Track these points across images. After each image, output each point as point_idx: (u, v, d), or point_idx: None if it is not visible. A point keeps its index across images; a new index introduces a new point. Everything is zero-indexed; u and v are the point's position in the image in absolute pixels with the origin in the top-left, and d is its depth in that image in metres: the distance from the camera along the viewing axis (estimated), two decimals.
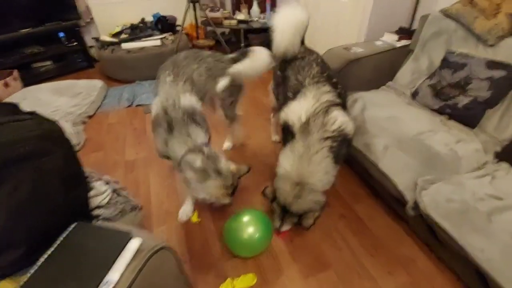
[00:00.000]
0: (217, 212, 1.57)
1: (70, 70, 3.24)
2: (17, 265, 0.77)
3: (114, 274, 0.62)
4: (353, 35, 2.37)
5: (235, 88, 1.60)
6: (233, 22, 3.18)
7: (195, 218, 1.53)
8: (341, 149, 1.25)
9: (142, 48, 2.84)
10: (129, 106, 2.58)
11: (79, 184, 0.93)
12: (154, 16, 3.19)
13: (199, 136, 1.23)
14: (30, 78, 2.89)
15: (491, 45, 1.56)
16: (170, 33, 3.10)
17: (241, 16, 3.28)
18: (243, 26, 3.18)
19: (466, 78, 1.55)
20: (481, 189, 1.15)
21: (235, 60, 1.55)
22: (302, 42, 1.57)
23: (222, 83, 1.49)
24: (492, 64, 1.48)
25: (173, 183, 1.75)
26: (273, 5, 3.34)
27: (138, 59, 2.82)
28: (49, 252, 0.67)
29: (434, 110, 1.65)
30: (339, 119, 1.24)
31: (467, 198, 1.12)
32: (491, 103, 1.48)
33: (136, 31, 3.02)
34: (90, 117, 2.44)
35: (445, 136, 1.42)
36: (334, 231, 1.46)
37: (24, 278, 0.62)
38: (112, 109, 2.55)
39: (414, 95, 1.78)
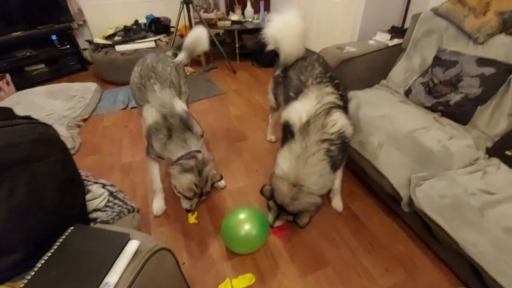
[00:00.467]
0: (214, 213, 1.57)
1: (64, 73, 3.22)
2: (16, 269, 0.77)
3: (113, 276, 0.63)
4: (346, 34, 2.40)
5: (185, 79, 1.79)
6: (227, 23, 3.19)
7: (192, 219, 1.53)
8: (339, 154, 1.24)
9: (136, 50, 2.83)
10: (124, 108, 2.57)
11: (75, 187, 0.93)
12: (147, 17, 3.18)
13: (193, 143, 1.35)
14: (23, 82, 2.86)
15: (481, 43, 1.59)
16: (164, 34, 3.10)
17: (235, 17, 3.29)
18: (237, 27, 3.19)
19: (457, 75, 1.58)
20: (473, 185, 1.17)
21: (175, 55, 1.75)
22: None
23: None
24: (482, 62, 1.51)
25: (169, 186, 1.74)
26: (267, 6, 3.36)
27: (132, 61, 2.75)
28: (47, 255, 0.67)
29: (427, 107, 1.67)
30: (339, 122, 1.23)
31: (459, 193, 1.14)
32: (482, 99, 1.50)
33: (130, 33, 3.01)
34: (85, 120, 2.43)
35: (438, 133, 1.44)
36: (331, 229, 1.47)
37: (23, 281, 0.62)
38: (107, 112, 2.54)
39: (407, 93, 1.80)
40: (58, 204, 0.85)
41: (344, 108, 1.33)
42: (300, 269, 1.30)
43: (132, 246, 0.69)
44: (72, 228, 0.74)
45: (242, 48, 3.41)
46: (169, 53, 1.77)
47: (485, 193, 1.13)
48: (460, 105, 1.55)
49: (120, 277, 0.63)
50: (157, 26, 3.07)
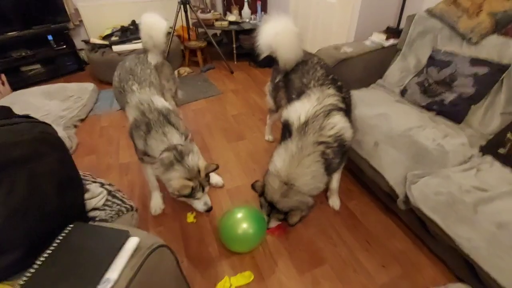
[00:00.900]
0: (213, 212, 1.58)
1: (60, 74, 3.20)
2: (14, 268, 0.77)
3: (113, 272, 0.63)
4: (342, 35, 2.42)
5: (172, 76, 1.78)
6: (224, 23, 3.20)
7: (191, 219, 1.54)
8: (335, 158, 1.22)
9: (133, 50, 2.82)
10: (121, 109, 2.55)
11: (74, 186, 0.94)
12: None
13: (174, 137, 1.28)
14: (19, 82, 2.84)
15: (475, 43, 1.62)
16: None
17: (232, 17, 3.30)
18: (234, 27, 3.20)
19: (452, 75, 1.60)
20: (467, 182, 1.19)
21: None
22: None
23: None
24: (476, 61, 1.54)
25: None
26: (264, 6, 3.37)
27: None
28: (47, 252, 0.67)
29: (422, 106, 1.70)
30: (338, 124, 1.22)
31: (454, 190, 1.16)
32: (475, 98, 1.53)
33: (127, 33, 3.01)
34: (82, 120, 2.42)
35: (433, 132, 1.46)
36: (329, 227, 1.49)
37: (23, 279, 0.62)
38: (104, 112, 2.53)
39: (403, 92, 1.82)
40: (58, 203, 0.85)
41: (347, 111, 1.32)
42: (298, 266, 1.31)
43: (132, 242, 0.69)
44: (71, 225, 0.74)
45: (239, 48, 3.42)
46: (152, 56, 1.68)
47: (479, 190, 1.15)
48: (454, 104, 1.58)
49: (121, 274, 0.64)
50: None
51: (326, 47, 1.97)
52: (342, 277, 1.26)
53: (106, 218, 1.03)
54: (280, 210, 1.24)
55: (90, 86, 2.68)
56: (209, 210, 1.36)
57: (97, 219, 1.01)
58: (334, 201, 1.60)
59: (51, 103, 2.36)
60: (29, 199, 0.78)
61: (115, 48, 2.84)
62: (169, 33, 3.18)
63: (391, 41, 2.01)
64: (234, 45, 3.32)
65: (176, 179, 1.24)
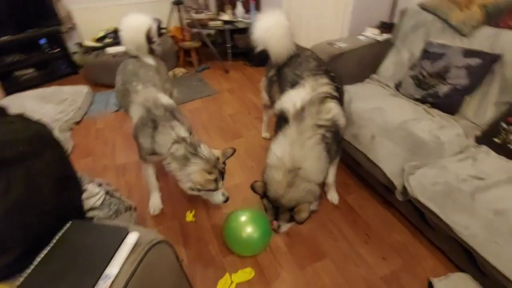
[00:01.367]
0: (212, 210, 1.58)
1: (54, 77, 3.18)
2: (13, 268, 0.76)
3: (113, 268, 0.63)
4: (336, 30, 2.43)
5: (168, 76, 1.80)
6: (218, 23, 3.20)
7: (190, 217, 1.53)
8: (333, 143, 1.22)
9: (126, 52, 2.81)
10: (117, 110, 2.55)
11: (71, 185, 0.93)
12: None
13: (181, 130, 1.27)
14: (12, 87, 2.82)
15: (467, 35, 1.63)
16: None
17: (226, 17, 3.30)
18: (228, 26, 3.20)
19: (445, 67, 1.62)
20: (464, 171, 1.20)
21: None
22: None
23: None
24: (468, 53, 1.55)
25: (165, 186, 1.75)
26: (258, 5, 3.38)
27: None
28: (46, 250, 0.67)
29: (416, 99, 1.71)
30: (334, 110, 1.24)
31: (451, 180, 1.17)
32: (469, 89, 1.54)
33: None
34: (77, 123, 2.40)
35: (428, 124, 1.47)
36: (328, 222, 1.49)
37: (21, 279, 0.62)
38: (99, 114, 2.52)
39: (398, 86, 1.84)
40: (55, 201, 0.84)
41: (339, 100, 1.34)
42: (299, 261, 1.31)
43: (131, 238, 0.69)
44: (69, 223, 0.74)
45: (234, 47, 3.42)
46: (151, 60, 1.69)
47: (476, 179, 1.16)
48: (448, 96, 1.59)
49: (121, 269, 0.63)
50: None
51: (320, 43, 1.97)
52: (343, 271, 1.27)
53: (104, 217, 1.03)
54: (286, 207, 1.16)
55: (84, 88, 2.66)
56: (227, 200, 1.34)
57: (95, 218, 1.01)
58: (333, 196, 1.61)
59: (46, 107, 2.34)
60: (26, 197, 0.77)
61: (109, 50, 2.83)
62: (162, 33, 3.18)
63: (385, 36, 2.02)
64: (228, 45, 3.32)
65: (198, 173, 1.19)
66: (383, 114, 1.55)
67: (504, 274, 0.95)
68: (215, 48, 3.20)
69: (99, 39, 3.00)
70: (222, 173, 1.28)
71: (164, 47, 2.97)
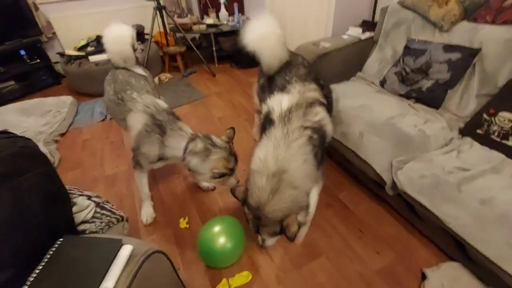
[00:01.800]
0: (205, 216, 1.57)
1: (36, 89, 3.10)
2: None
3: (109, 282, 0.62)
4: (320, 31, 2.47)
5: (154, 84, 1.76)
6: (202, 27, 3.19)
7: (184, 224, 1.52)
8: (319, 148, 1.14)
9: (112, 62, 2.76)
10: (103, 120, 2.50)
11: (61, 200, 0.91)
12: None
13: (188, 129, 1.34)
14: None
15: (446, 31, 1.68)
16: (139, 42, 3.05)
17: (210, 20, 3.30)
18: (212, 30, 3.19)
19: (427, 62, 1.66)
20: (449, 163, 1.24)
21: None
22: None
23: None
24: (449, 48, 1.60)
25: (157, 193, 1.73)
26: (241, 7, 3.39)
27: (107, 71, 2.68)
28: (39, 267, 0.65)
29: (401, 95, 1.75)
30: (321, 114, 1.20)
31: (437, 172, 1.20)
32: (451, 84, 1.59)
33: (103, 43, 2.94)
34: (62, 135, 2.35)
35: (414, 118, 1.51)
36: (322, 220, 1.51)
37: None
38: (85, 125, 2.47)
39: (382, 83, 1.88)
40: (45, 217, 0.82)
41: (327, 108, 1.29)
42: (295, 261, 1.32)
43: (125, 250, 0.68)
44: (62, 239, 0.72)
45: (220, 51, 3.42)
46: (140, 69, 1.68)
47: (461, 170, 1.20)
48: (431, 91, 1.63)
49: (117, 282, 0.62)
50: None
51: (305, 44, 2.00)
52: (338, 267, 1.28)
53: (96, 230, 1.01)
54: (269, 218, 1.01)
55: (68, 99, 2.60)
56: (237, 182, 1.38)
57: (87, 232, 0.99)
58: (301, 231, 1.36)
59: (29, 120, 2.28)
60: (15, 215, 0.75)
61: (92, 58, 2.78)
62: (145, 39, 3.15)
63: (367, 34, 2.06)
64: (214, 48, 3.32)
65: (220, 161, 1.25)
66: (369, 111, 1.58)
67: (492, 260, 0.98)
68: (200, 52, 3.19)
69: (81, 48, 2.94)
70: (235, 157, 1.33)
71: (149, 53, 2.95)
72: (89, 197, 1.15)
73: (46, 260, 0.67)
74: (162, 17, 2.94)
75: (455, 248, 1.21)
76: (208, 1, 3.57)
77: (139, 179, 1.50)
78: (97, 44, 2.92)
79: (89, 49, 2.89)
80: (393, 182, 1.30)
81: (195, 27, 3.19)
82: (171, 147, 1.27)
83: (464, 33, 1.61)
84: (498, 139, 1.30)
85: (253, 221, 1.07)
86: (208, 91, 2.94)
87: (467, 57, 1.55)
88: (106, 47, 1.59)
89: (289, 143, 1.07)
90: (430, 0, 1.78)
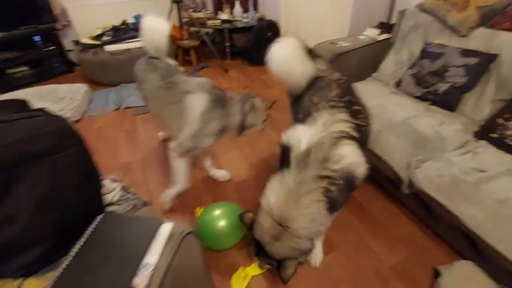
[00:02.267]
0: None
1: (48, 76, 3.11)
2: (41, 263, 0.76)
3: (152, 257, 0.64)
4: (336, 30, 2.49)
5: None
6: (217, 22, 3.21)
7: (200, 213, 1.54)
8: (340, 196, 0.99)
9: (126, 50, 2.79)
10: (117, 109, 2.52)
11: (93, 180, 0.93)
12: (135, 17, 3.14)
13: (233, 95, 1.50)
14: (6, 85, 2.75)
15: (464, 36, 1.71)
16: None
17: (224, 16, 3.32)
18: (227, 25, 3.21)
19: (444, 66, 1.69)
20: (466, 164, 1.26)
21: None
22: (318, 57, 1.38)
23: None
24: (466, 53, 1.63)
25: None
26: (255, 4, 3.40)
27: (122, 61, 2.77)
28: (81, 242, 0.67)
29: (416, 97, 1.77)
30: (347, 158, 0.98)
31: (455, 172, 1.22)
32: (467, 87, 1.62)
33: (119, 32, 2.96)
34: (76, 121, 2.37)
35: (429, 120, 1.54)
36: (337, 217, 1.52)
37: (59, 270, 0.62)
38: (99, 113, 2.49)
39: (398, 84, 1.90)
40: (78, 196, 0.84)
41: (362, 141, 1.08)
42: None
43: (166, 228, 0.70)
44: (102, 215, 0.74)
45: (232, 47, 3.44)
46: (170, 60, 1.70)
47: (478, 171, 1.22)
48: (447, 94, 1.66)
49: (160, 258, 0.64)
50: None
51: (323, 42, 2.02)
52: (353, 262, 1.31)
53: (123, 212, 1.03)
54: (268, 254, 1.02)
55: (83, 87, 2.62)
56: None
57: None
58: (316, 254, 1.33)
59: (44, 105, 2.26)
60: (53, 192, 0.77)
61: (107, 48, 2.80)
62: None
63: (384, 36, 2.08)
64: (227, 44, 3.33)
65: (264, 110, 1.53)
66: (386, 111, 1.60)
67: (507, 257, 1.01)
68: (214, 47, 3.20)
69: (96, 37, 2.96)
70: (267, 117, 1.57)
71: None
72: (114, 180, 1.18)
73: (88, 234, 0.70)
74: (178, 10, 2.96)
75: (468, 246, 1.24)
76: None
77: (182, 166, 1.49)
78: (113, 34, 2.94)
79: (105, 38, 2.91)
80: (410, 181, 1.33)
81: (209, 22, 3.21)
82: (233, 114, 1.42)
83: (482, 39, 1.64)
84: None
85: (254, 245, 1.06)
86: (219, 86, 2.95)
87: (484, 62, 1.58)
88: (144, 36, 1.58)
89: (300, 197, 0.95)
90: (449, 5, 1.81)
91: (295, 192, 0.96)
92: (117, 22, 3.17)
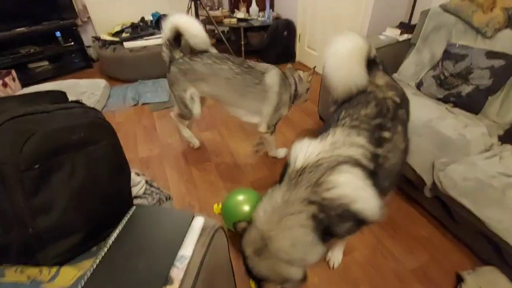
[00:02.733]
0: None
1: (67, 71, 3.18)
2: (75, 251, 0.78)
3: (187, 250, 0.65)
4: (354, 30, 2.46)
5: None
6: (233, 20, 3.22)
7: (218, 210, 1.55)
8: (337, 226, 0.86)
9: (144, 47, 2.83)
10: (135, 105, 2.56)
11: (123, 172, 0.95)
12: (153, 15, 3.18)
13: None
14: (27, 79, 2.82)
15: (489, 37, 1.67)
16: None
17: (240, 14, 3.32)
18: (243, 24, 3.22)
19: (468, 68, 1.65)
20: (492, 168, 1.23)
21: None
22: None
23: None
24: (492, 54, 1.59)
25: (190, 179, 1.77)
26: (272, 3, 3.40)
27: (141, 58, 2.81)
28: (117, 232, 0.69)
29: (438, 99, 1.75)
30: (341, 187, 0.82)
31: (481, 176, 1.20)
32: (492, 90, 1.58)
33: (137, 29, 3.00)
34: None
35: (453, 122, 1.51)
36: None
37: (97, 260, 0.64)
38: (117, 108, 2.53)
39: (419, 85, 1.87)
40: (111, 187, 0.86)
41: (377, 174, 0.90)
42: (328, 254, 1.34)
43: (198, 222, 0.71)
44: (133, 208, 0.76)
45: (247, 45, 3.44)
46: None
47: (505, 176, 1.19)
48: (471, 96, 1.63)
49: (194, 251, 0.65)
50: None
51: None
52: (372, 263, 1.30)
53: (149, 206, 1.05)
54: (248, 270, 0.94)
55: (102, 82, 2.67)
56: None
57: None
58: (335, 256, 1.30)
59: None
60: (87, 182, 0.79)
61: (127, 44, 2.84)
62: None
63: (405, 36, 2.05)
64: (242, 42, 3.34)
65: (306, 76, 1.79)
66: None
67: None
68: (229, 46, 3.21)
69: (116, 33, 3.00)
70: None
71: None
72: (137, 174, 1.20)
73: (123, 224, 0.71)
74: (196, 8, 2.98)
75: (492, 252, 1.21)
76: None
77: (272, 139, 1.82)
78: (132, 31, 2.99)
79: (124, 35, 2.95)
80: (433, 184, 1.31)
81: (226, 21, 3.22)
82: (290, 84, 1.68)
83: (508, 41, 1.60)
84: None
85: (243, 259, 0.97)
86: None
87: (510, 64, 1.54)
88: (188, 33, 1.58)
89: (282, 218, 0.86)
90: (474, 6, 1.77)
91: (280, 211, 0.87)
92: (135, 19, 3.22)
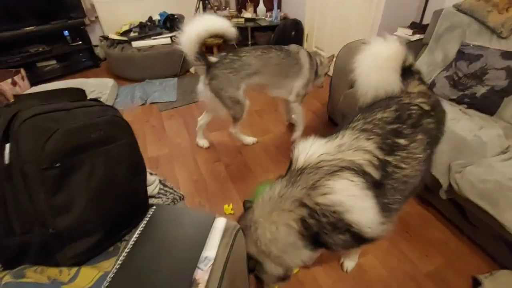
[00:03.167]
0: None
1: (75, 70, 3.18)
2: (93, 251, 0.77)
3: (211, 251, 0.64)
4: (364, 30, 2.44)
5: None
6: (241, 20, 3.21)
7: (229, 210, 1.54)
8: (328, 235, 0.82)
9: (152, 47, 2.82)
10: (143, 104, 2.56)
11: (140, 172, 0.94)
12: (161, 15, 3.17)
13: None
14: (35, 78, 2.82)
15: (505, 37, 1.65)
16: (180, 31, 3.09)
17: (247, 14, 3.32)
18: (250, 24, 3.21)
19: (482, 68, 1.63)
20: (510, 170, 1.21)
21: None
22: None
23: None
24: (507, 55, 1.57)
25: (201, 179, 1.76)
26: (279, 3, 3.39)
27: (149, 57, 2.80)
28: (138, 232, 0.67)
29: (452, 100, 1.72)
30: (336, 194, 0.78)
31: (499, 178, 1.18)
32: (508, 91, 1.56)
33: (145, 29, 3.00)
34: None
35: (468, 123, 1.48)
36: None
37: (119, 261, 0.62)
38: (125, 108, 2.53)
39: (431, 86, 1.84)
40: (128, 186, 0.85)
41: (382, 185, 0.84)
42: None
43: (220, 223, 0.70)
44: (154, 208, 0.75)
45: (254, 45, 3.43)
46: None
47: None
48: (486, 97, 1.60)
49: (217, 252, 0.64)
50: (172, 22, 3.06)
51: (354, 41, 1.98)
52: (386, 266, 1.28)
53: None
54: None
55: (110, 81, 2.67)
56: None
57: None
58: (350, 260, 1.28)
59: None
60: (106, 182, 0.78)
61: (135, 44, 2.84)
62: None
63: (417, 36, 2.03)
64: (249, 42, 3.33)
65: (327, 60, 1.99)
66: None
67: None
68: (236, 46, 3.21)
69: (124, 33, 3.00)
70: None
71: None
72: (150, 173, 1.19)
73: (144, 225, 0.70)
74: (204, 8, 2.97)
75: (509, 255, 1.19)
76: None
77: (302, 110, 1.95)
78: (140, 30, 2.99)
79: (132, 34, 2.95)
80: (449, 186, 1.29)
81: (233, 21, 3.21)
82: (314, 65, 1.86)
83: None
84: None
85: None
86: None
87: None
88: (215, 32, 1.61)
89: (272, 210, 0.85)
90: (490, 6, 1.75)
91: (273, 203, 0.86)
92: (143, 18, 3.22)
